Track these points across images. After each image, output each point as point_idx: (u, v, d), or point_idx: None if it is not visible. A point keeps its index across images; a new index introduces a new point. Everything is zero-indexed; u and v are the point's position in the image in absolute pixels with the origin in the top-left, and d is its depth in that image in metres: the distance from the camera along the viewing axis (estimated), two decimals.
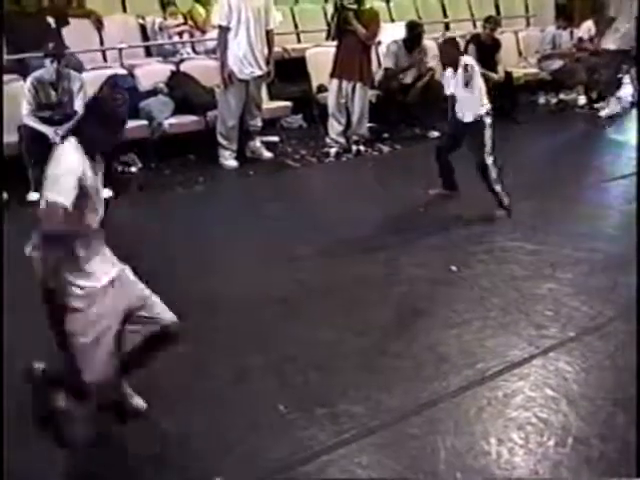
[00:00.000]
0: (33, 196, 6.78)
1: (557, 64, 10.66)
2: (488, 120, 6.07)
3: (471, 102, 6.09)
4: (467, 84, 6.02)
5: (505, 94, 9.99)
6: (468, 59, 6.26)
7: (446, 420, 3.34)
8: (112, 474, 3.03)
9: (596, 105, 10.46)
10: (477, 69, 6.11)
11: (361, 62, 8.05)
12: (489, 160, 6.05)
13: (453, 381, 3.65)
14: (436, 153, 6.47)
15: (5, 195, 6.67)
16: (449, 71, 6.22)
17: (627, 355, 3.83)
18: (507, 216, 6.05)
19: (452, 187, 6.51)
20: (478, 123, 6.06)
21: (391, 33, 9.37)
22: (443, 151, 6.44)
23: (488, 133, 6.05)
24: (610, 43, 10.05)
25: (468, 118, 6.12)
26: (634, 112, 9.84)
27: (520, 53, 11.28)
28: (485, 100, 6.13)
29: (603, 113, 10.19)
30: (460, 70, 6.05)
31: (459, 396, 3.53)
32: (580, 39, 10.81)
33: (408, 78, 9.09)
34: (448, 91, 6.27)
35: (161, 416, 3.37)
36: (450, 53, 6.26)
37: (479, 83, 6.12)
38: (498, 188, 6.07)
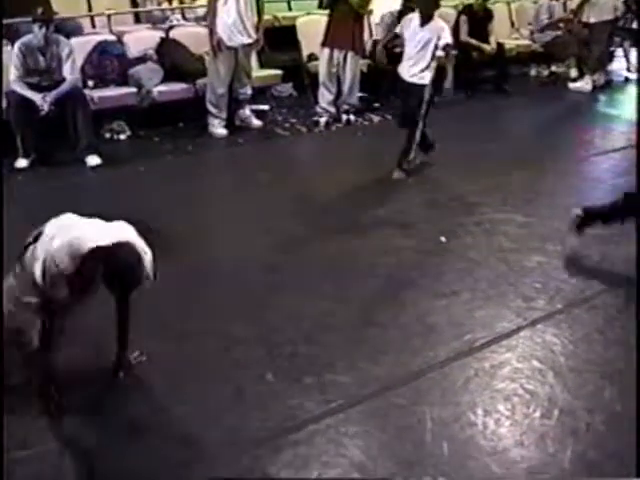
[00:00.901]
0: (21, 163, 6.73)
1: (549, 36, 10.60)
2: (427, 93, 6.04)
3: (418, 65, 6.05)
4: (425, 46, 5.97)
5: (496, 65, 9.98)
6: (443, 23, 6.14)
7: (433, 390, 3.34)
8: (92, 440, 3.02)
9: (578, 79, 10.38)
10: (444, 40, 5.97)
11: (353, 31, 7.97)
12: (421, 122, 6.10)
13: (441, 352, 3.64)
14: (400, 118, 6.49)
15: None
16: (415, 18, 6.10)
17: (615, 328, 3.85)
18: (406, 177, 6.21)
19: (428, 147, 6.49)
20: (419, 88, 6.05)
21: (385, 3, 9.30)
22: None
23: (425, 100, 6.05)
24: (591, 16, 9.98)
25: (411, 78, 6.12)
26: (628, 86, 9.82)
27: (512, 24, 11.18)
28: (429, 73, 6.05)
29: (576, 85, 10.13)
30: (427, 27, 5.98)
31: (446, 367, 3.52)
32: (572, 11, 10.73)
33: (399, 48, 9.03)
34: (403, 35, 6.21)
35: (145, 382, 3.37)
36: (429, 2, 6.11)
37: (433, 53, 6.00)
38: (413, 152, 6.21)
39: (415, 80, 6.11)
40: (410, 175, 6.17)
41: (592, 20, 9.95)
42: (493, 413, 3.18)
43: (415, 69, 6.09)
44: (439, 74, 6.29)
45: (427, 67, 6.04)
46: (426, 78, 6.05)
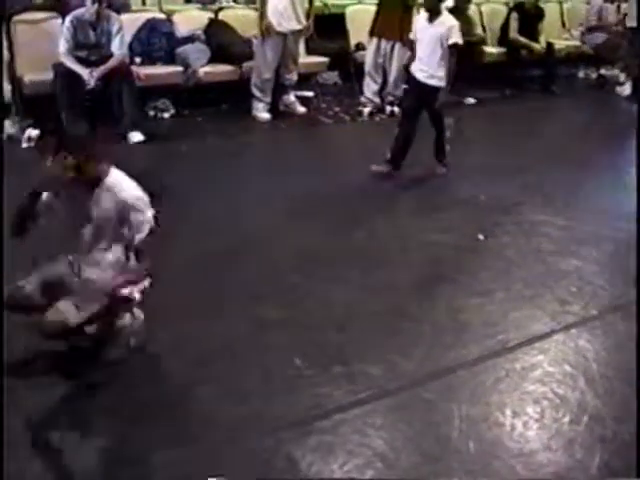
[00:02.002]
0: None
1: (600, 38, 10.46)
2: (442, 92, 5.84)
3: (430, 65, 5.82)
4: (435, 44, 5.74)
5: (545, 65, 9.87)
6: (454, 21, 5.88)
7: (463, 388, 3.31)
8: (117, 415, 3.04)
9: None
10: (453, 39, 5.74)
11: (402, 22, 7.91)
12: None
13: (472, 350, 3.61)
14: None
15: (37, 132, 6.67)
16: (424, 16, 5.92)
17: None
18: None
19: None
20: (431, 89, 5.85)
21: None
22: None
23: (441, 101, 5.87)
24: (631, 20, 9.84)
25: (425, 79, 5.88)
26: None
27: (564, 24, 11.06)
28: (441, 72, 5.81)
29: (621, 91, 9.99)
30: (436, 23, 5.78)
31: (477, 365, 3.49)
32: (626, 15, 10.58)
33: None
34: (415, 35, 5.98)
35: (174, 362, 3.38)
36: None
37: (445, 50, 5.77)
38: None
39: (428, 81, 5.86)
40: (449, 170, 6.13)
41: (632, 24, 9.82)
42: (522, 415, 3.14)
43: (427, 68, 5.84)
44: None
45: (439, 67, 5.79)
46: (440, 79, 5.82)
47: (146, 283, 3.13)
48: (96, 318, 3.14)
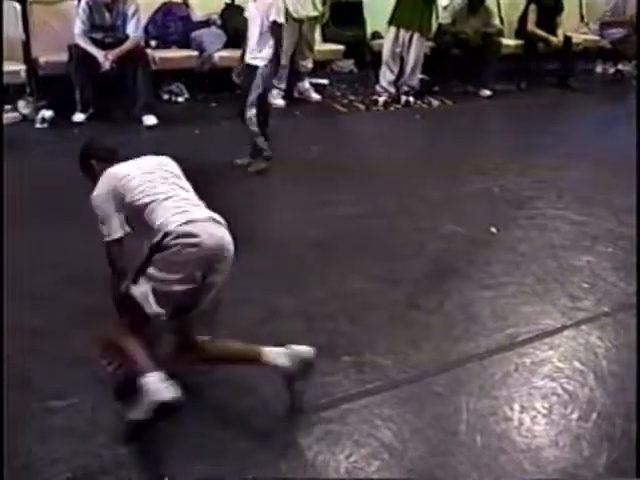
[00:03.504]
0: (78, 117, 6.80)
1: (620, 33, 10.38)
2: (260, 73, 5.51)
3: (256, 46, 5.53)
4: (256, 24, 5.50)
5: (562, 59, 9.82)
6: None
7: (472, 382, 3.31)
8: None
9: None
10: (271, 17, 5.44)
11: (422, 12, 7.91)
12: (249, 112, 5.60)
13: (482, 343, 3.61)
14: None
15: (51, 113, 6.69)
16: None
17: None
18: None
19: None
20: (252, 69, 5.55)
21: None
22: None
23: (257, 83, 5.53)
24: None
25: (249, 60, 5.61)
26: None
27: (582, 18, 11.00)
28: (265, 53, 5.51)
29: None
30: (256, 4, 5.53)
31: (487, 359, 3.49)
32: None
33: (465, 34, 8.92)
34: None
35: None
36: None
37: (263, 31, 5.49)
38: (260, 141, 5.75)
39: (251, 61, 5.59)
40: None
41: None
42: (530, 410, 3.14)
43: (253, 50, 5.57)
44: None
45: (262, 47, 5.51)
46: (260, 59, 5.53)
47: None
48: None
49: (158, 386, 2.60)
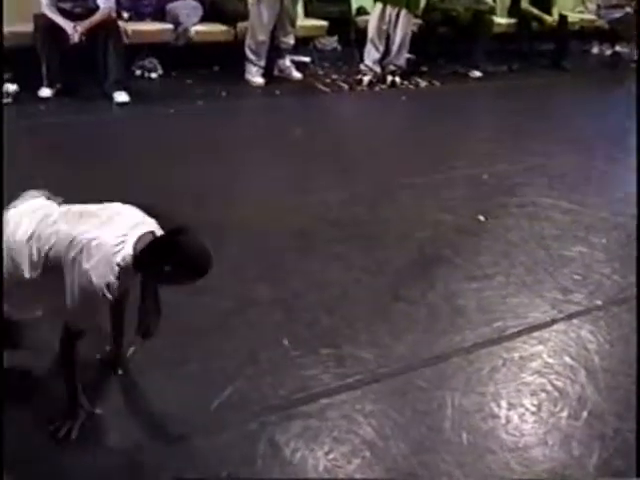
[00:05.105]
0: (45, 92, 6.74)
1: (618, 13, 10.42)
2: None
3: None
4: None
5: (556, 39, 9.84)
6: None
7: (457, 376, 3.32)
8: (99, 395, 3.04)
9: None
10: None
11: None
12: None
13: (468, 336, 3.62)
14: None
15: (15, 87, 6.63)
16: None
17: None
18: None
19: None
20: None
21: None
22: None
23: None
24: None
25: None
26: None
27: None
28: None
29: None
30: None
31: (473, 353, 3.50)
32: None
33: (455, 11, 8.91)
34: None
35: (157, 339, 3.37)
36: None
37: None
38: None
39: None
40: None
41: None
42: (518, 407, 3.16)
43: None
44: None
45: None
46: None
47: None
48: None
49: None
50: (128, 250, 2.52)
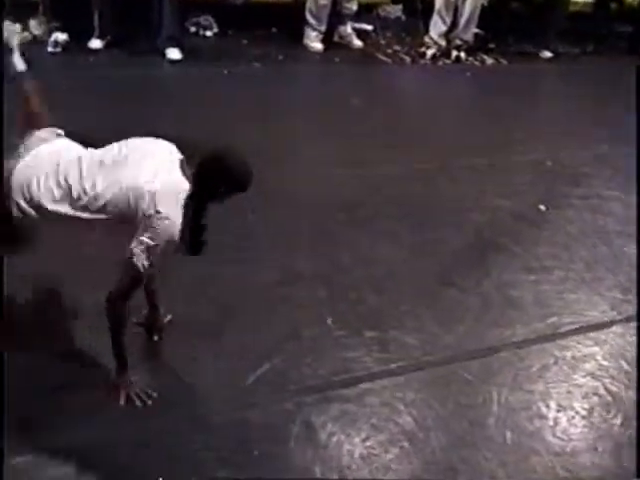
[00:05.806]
0: (95, 43, 6.76)
1: None
2: None
3: None
4: None
5: (636, 22, 9.60)
6: None
7: (505, 371, 3.28)
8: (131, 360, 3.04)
9: None
10: None
11: None
12: None
13: (520, 331, 3.57)
14: None
15: (65, 37, 6.65)
16: None
17: None
18: None
19: None
20: None
21: None
22: None
23: None
24: None
25: None
26: None
27: None
28: None
29: None
30: None
31: (524, 349, 3.45)
32: None
33: None
34: None
35: (191, 307, 3.37)
36: None
37: None
38: None
39: None
40: None
41: None
42: (568, 409, 3.11)
43: None
44: None
45: None
46: None
47: None
48: None
49: None
50: (185, 184, 2.63)
